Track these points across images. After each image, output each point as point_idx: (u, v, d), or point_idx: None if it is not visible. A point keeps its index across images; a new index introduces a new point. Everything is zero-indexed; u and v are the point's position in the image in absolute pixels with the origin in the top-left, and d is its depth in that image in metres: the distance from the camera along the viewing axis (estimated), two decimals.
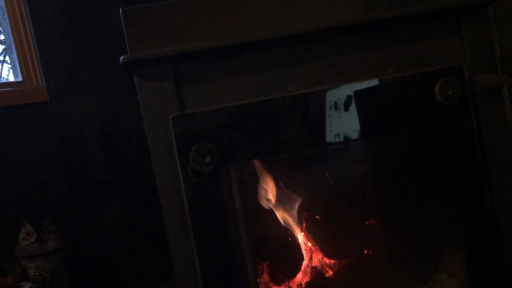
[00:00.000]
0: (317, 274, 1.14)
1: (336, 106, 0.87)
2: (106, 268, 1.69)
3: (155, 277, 1.71)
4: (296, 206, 1.17)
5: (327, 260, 1.19)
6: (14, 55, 1.64)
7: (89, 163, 1.69)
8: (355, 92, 0.86)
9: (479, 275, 0.92)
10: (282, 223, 1.15)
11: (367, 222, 1.22)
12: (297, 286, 1.12)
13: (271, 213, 1.12)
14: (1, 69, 2.34)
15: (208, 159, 0.79)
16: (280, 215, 1.13)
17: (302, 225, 1.19)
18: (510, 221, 0.92)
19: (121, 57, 0.79)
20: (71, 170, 1.65)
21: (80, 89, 1.70)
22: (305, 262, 1.16)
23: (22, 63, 1.67)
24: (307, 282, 1.12)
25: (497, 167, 0.91)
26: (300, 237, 1.18)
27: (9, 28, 1.62)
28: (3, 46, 1.87)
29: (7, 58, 1.84)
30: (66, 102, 1.67)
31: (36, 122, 1.61)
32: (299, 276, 1.14)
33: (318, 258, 1.18)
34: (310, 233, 1.19)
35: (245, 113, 0.82)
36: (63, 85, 1.67)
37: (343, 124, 0.87)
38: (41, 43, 1.62)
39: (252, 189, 1.05)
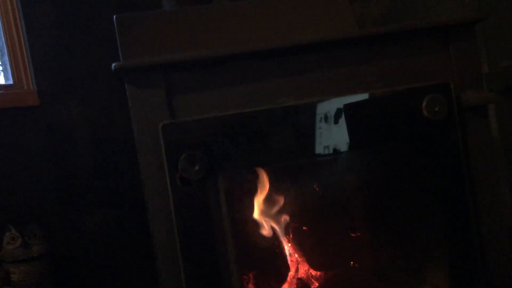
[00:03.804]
0: (302, 285, 1.14)
1: (325, 119, 0.87)
2: (91, 275, 1.67)
3: (140, 286, 1.70)
4: (284, 216, 1.17)
5: (313, 272, 1.19)
6: (6, 57, 1.64)
7: (78, 169, 1.68)
8: (344, 105, 0.88)
9: None
10: (269, 233, 1.15)
11: (353, 235, 1.23)
12: None
13: (258, 223, 1.13)
14: None
15: (196, 168, 0.80)
16: (267, 225, 1.14)
17: (289, 236, 1.19)
18: (494, 238, 0.93)
19: (113, 64, 0.80)
20: (59, 175, 1.64)
21: (71, 94, 1.69)
22: (291, 273, 1.16)
23: (14, 66, 1.66)
24: None
25: (482, 184, 0.92)
26: (287, 248, 1.18)
27: (1, 30, 1.62)
28: None
29: None
30: (57, 107, 1.66)
31: (26, 126, 1.61)
32: (285, 287, 1.14)
33: (304, 270, 1.19)
34: (297, 244, 1.19)
35: (235, 123, 0.83)
36: (54, 89, 1.67)
37: (331, 137, 0.88)
38: (33, 47, 1.62)
39: (240, 198, 1.05)
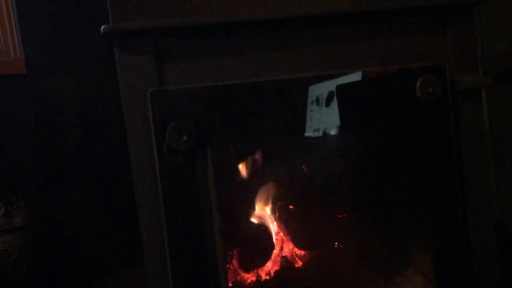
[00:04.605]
0: (286, 264, 1.14)
1: (317, 95, 0.86)
2: (74, 250, 1.66)
3: (124, 263, 1.69)
4: (271, 195, 1.17)
5: (297, 251, 1.19)
6: None
7: (64, 143, 1.65)
8: (337, 81, 0.86)
9: (446, 274, 0.93)
10: (256, 211, 1.14)
11: (339, 216, 1.22)
12: (266, 274, 1.11)
13: (245, 199, 1.12)
14: None
15: (184, 138, 0.78)
16: (253, 202, 1.13)
17: (275, 215, 1.19)
18: (480, 223, 0.93)
19: (102, 27, 0.77)
20: (45, 149, 1.61)
21: (60, 65, 1.66)
22: (275, 252, 1.16)
23: (1, 33, 1.62)
24: (276, 271, 1.11)
25: (471, 168, 0.92)
26: (273, 226, 1.18)
27: None
28: None
29: None
30: (44, 77, 1.63)
31: (12, 95, 1.57)
32: (269, 264, 1.13)
33: (288, 248, 1.18)
34: (283, 223, 1.19)
35: (226, 95, 0.81)
36: (42, 59, 1.63)
37: (323, 113, 0.87)
38: (22, 14, 1.58)
39: (228, 173, 1.04)
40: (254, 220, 1.16)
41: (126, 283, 1.61)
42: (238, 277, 1.10)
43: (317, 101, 0.88)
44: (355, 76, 0.87)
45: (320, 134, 1.12)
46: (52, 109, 1.63)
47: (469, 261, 0.92)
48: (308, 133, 1.12)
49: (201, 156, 0.82)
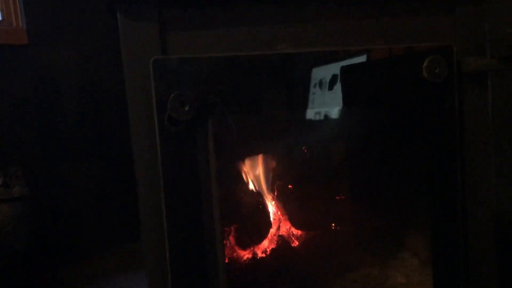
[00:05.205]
0: (283, 242, 1.14)
1: (321, 78, 0.85)
2: (72, 223, 1.66)
3: (120, 238, 1.69)
4: (270, 174, 1.16)
5: (294, 231, 1.19)
6: None
7: (63, 114, 1.65)
8: (341, 63, 0.85)
9: (441, 258, 0.93)
10: (254, 188, 1.14)
11: (338, 198, 1.22)
12: (262, 252, 1.11)
13: (244, 176, 1.11)
14: None
15: (186, 108, 0.77)
16: (253, 180, 1.13)
17: (274, 194, 1.18)
18: (478, 208, 0.93)
19: None
20: (44, 120, 1.60)
21: (62, 36, 1.64)
22: (272, 230, 1.16)
23: (3, 2, 1.60)
24: (272, 249, 1.12)
25: (472, 152, 0.91)
26: (271, 205, 1.18)
27: None
28: None
29: None
30: (45, 48, 1.61)
31: (13, 64, 1.56)
32: (265, 242, 1.13)
33: (285, 228, 1.18)
34: (281, 202, 1.19)
35: (230, 66, 0.80)
36: (44, 29, 1.61)
37: (325, 96, 0.86)
38: None
39: (229, 147, 1.03)
40: (252, 198, 1.15)
41: (124, 256, 1.62)
42: (234, 254, 1.11)
43: (320, 84, 0.86)
44: (360, 56, 0.86)
45: (322, 117, 1.11)
46: (52, 80, 1.62)
47: (465, 246, 0.92)
48: (310, 115, 1.12)
49: (202, 128, 0.82)
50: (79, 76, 1.65)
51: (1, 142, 1.53)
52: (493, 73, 0.89)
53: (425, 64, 0.84)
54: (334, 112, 1.10)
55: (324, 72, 0.85)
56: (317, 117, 1.11)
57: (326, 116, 1.11)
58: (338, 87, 0.86)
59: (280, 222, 1.18)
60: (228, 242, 1.09)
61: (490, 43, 0.85)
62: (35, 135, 1.60)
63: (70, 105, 1.65)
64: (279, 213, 1.18)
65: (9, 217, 1.38)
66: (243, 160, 1.12)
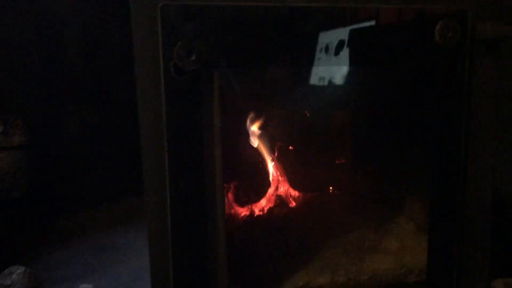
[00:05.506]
0: (280, 202, 1.15)
1: (327, 42, 0.83)
2: (71, 174, 1.66)
3: (120, 190, 1.69)
4: (271, 133, 1.16)
5: (292, 192, 1.20)
6: None
7: (65, 63, 1.62)
8: (353, 18, 0.83)
9: (438, 224, 0.93)
10: (255, 147, 1.14)
11: (338, 162, 1.23)
12: (260, 210, 1.12)
13: (246, 133, 1.11)
14: None
15: (193, 58, 0.76)
16: (254, 138, 1.12)
17: (274, 154, 1.18)
18: (479, 178, 0.93)
19: None
20: (45, 68, 1.58)
21: None
22: (271, 190, 1.16)
23: None
24: (269, 208, 1.13)
25: (477, 121, 0.91)
26: (270, 165, 1.18)
27: None
28: None
29: None
30: None
31: (14, 12, 1.52)
32: (263, 201, 1.14)
33: (284, 188, 1.19)
34: (281, 163, 1.19)
35: (239, 17, 0.78)
36: None
37: (331, 61, 0.84)
38: None
39: (233, 103, 1.02)
40: (252, 156, 1.15)
41: (123, 209, 1.63)
42: (232, 211, 1.11)
43: (326, 49, 0.85)
44: (371, 17, 0.84)
45: (326, 82, 1.10)
46: (55, 28, 1.59)
47: (463, 213, 0.93)
48: (315, 78, 1.10)
49: (208, 80, 0.80)
50: (82, 23, 1.62)
51: (1, 91, 1.51)
52: (507, 43, 0.88)
53: (437, 27, 0.82)
54: (339, 76, 1.09)
55: (330, 37, 0.84)
56: (322, 82, 1.10)
57: (330, 81, 1.10)
58: (344, 52, 0.85)
59: (278, 183, 1.19)
60: (226, 198, 1.10)
61: (506, 11, 0.83)
62: (36, 84, 1.58)
63: (72, 54, 1.62)
64: (278, 173, 1.19)
65: (9, 165, 1.38)
66: (245, 118, 1.11)
